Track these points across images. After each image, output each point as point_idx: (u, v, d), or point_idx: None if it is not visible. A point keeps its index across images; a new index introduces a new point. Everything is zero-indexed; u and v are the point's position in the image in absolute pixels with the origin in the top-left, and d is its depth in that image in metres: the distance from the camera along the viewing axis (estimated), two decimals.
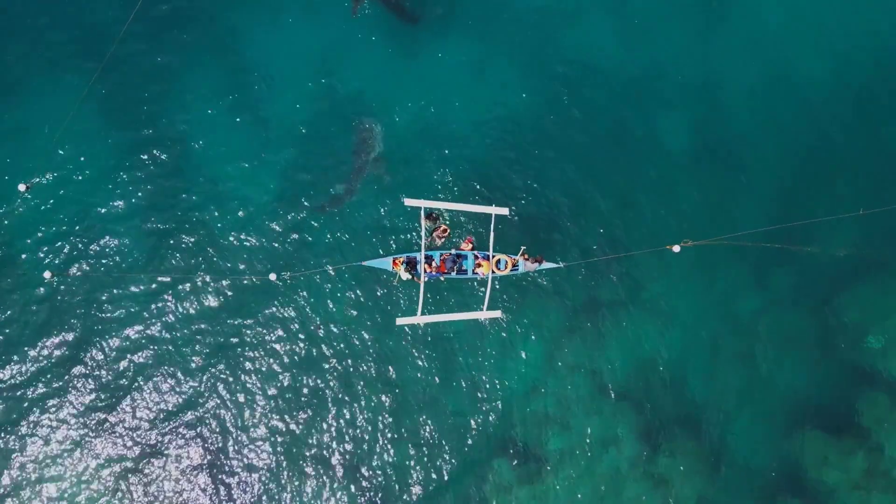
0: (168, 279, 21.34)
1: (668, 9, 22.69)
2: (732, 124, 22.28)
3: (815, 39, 22.55)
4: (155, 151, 21.97)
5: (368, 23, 22.65)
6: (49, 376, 20.84)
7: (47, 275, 20.73)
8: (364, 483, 20.97)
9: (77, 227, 21.46)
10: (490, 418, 21.19)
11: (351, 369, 21.37)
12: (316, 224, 21.74)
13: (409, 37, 22.72)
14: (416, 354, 21.44)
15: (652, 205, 21.89)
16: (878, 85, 22.33)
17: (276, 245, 21.67)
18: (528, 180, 21.94)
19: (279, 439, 21.10)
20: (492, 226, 20.44)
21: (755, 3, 22.85)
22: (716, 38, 22.59)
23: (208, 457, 20.99)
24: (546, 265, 21.06)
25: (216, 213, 21.78)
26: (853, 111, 22.23)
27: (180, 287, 21.39)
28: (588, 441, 21.09)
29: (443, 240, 21.32)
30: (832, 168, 21.92)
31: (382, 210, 21.75)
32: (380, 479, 21.02)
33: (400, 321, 20.72)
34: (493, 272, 20.83)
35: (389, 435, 21.11)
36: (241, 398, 21.20)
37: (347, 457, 21.06)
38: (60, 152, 21.61)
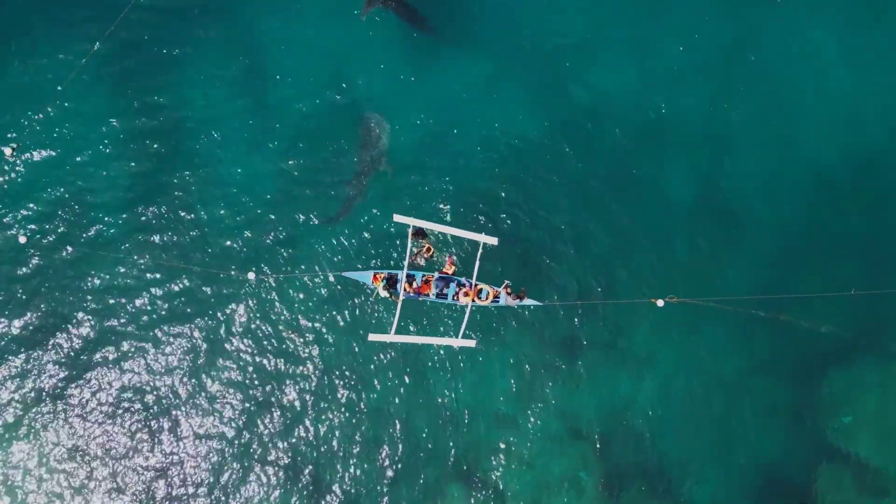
0: (143, 261, 20.98)
1: (691, 57, 22.32)
2: (737, 185, 21.95)
3: (836, 118, 22.12)
4: (151, 132, 21.64)
5: (379, 28, 22.31)
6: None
7: (22, 240, 20.42)
8: (311, 492, 20.65)
9: (58, 197, 21.11)
10: (452, 444, 20.85)
11: (316, 378, 21.01)
12: (305, 227, 21.42)
13: (420, 47, 22.38)
14: (385, 371, 21.09)
15: (643, 254, 21.53)
16: (891, 171, 22.06)
17: (261, 243, 21.33)
18: (521, 212, 21.60)
19: (230, 436, 20.76)
20: (479, 254, 20.13)
21: (781, 68, 22.38)
22: (735, 95, 22.22)
23: (156, 448, 20.66)
24: (528, 301, 20.73)
25: (205, 202, 21.45)
26: (861, 193, 21.87)
27: (154, 273, 21.04)
28: (548, 481, 20.76)
29: (426, 259, 20.99)
30: (831, 244, 21.59)
31: (372, 221, 21.43)
32: (328, 490, 20.67)
33: (372, 337, 20.24)
34: (473, 301, 20.51)
35: (345, 447, 20.79)
36: (199, 392, 20.84)
37: (301, 463, 20.71)
38: (53, 121, 21.25)
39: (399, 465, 20.77)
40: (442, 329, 21.07)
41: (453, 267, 20.82)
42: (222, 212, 21.46)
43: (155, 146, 21.64)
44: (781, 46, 22.02)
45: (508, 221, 21.53)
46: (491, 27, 22.45)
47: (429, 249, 20.81)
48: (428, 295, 20.74)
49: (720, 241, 21.63)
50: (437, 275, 20.78)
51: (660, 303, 20.17)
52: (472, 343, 20.40)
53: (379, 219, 21.40)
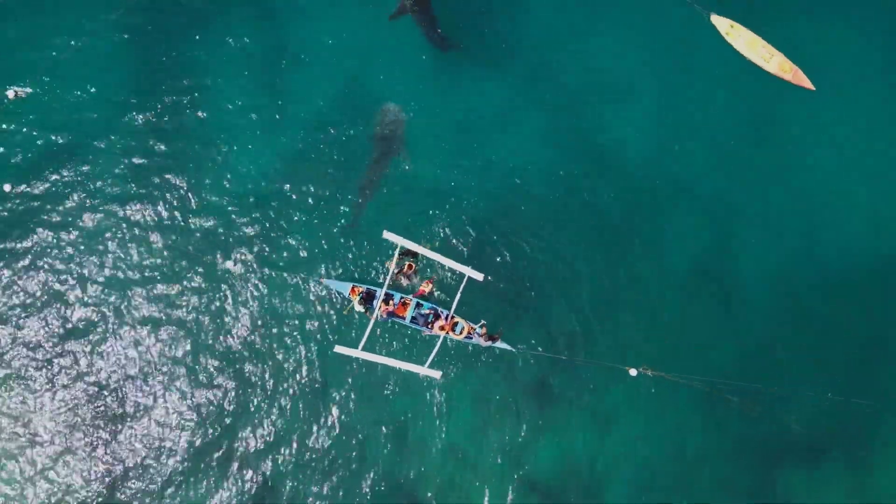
0: (125, 230, 20.50)
1: (714, 127, 21.75)
2: (736, 265, 21.45)
3: (850, 219, 21.53)
4: (161, 102, 21.06)
5: (405, 35, 21.73)
6: None
7: (7, 188, 19.91)
8: (248, 491, 20.18)
9: (51, 152, 20.56)
10: (402, 469, 20.38)
11: (272, 378, 20.49)
12: (299, 223, 20.89)
13: (442, 60, 21.88)
14: (345, 383, 20.58)
15: (626, 318, 21.06)
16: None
17: (251, 233, 20.81)
18: (511, 252, 21.09)
19: (173, 423, 20.29)
20: (462, 287, 19.78)
21: (803, 158, 21.70)
22: (752, 175, 21.67)
23: (95, 435, 20.19)
24: (501, 344, 20.29)
25: (203, 181, 20.90)
26: (861, 301, 21.33)
27: (133, 243, 20.55)
28: None
29: (408, 277, 20.57)
30: (818, 344, 21.11)
31: (363, 232, 20.85)
32: (268, 492, 20.20)
33: (338, 349, 19.89)
34: (447, 333, 20.05)
35: (287, 451, 20.30)
36: (151, 372, 20.39)
37: (245, 461, 20.24)
38: (62, 75, 20.71)
39: (342, 479, 20.30)
40: (410, 354, 20.53)
41: (430, 286, 20.42)
42: (218, 194, 20.90)
43: (164, 118, 21.08)
44: (807, 137, 21.55)
45: (497, 259, 21.06)
46: (516, 54, 21.91)
47: (410, 266, 20.40)
48: (403, 318, 20.28)
49: (707, 318, 21.18)
50: (414, 299, 20.38)
51: (633, 372, 20.00)
52: (437, 374, 19.93)
53: (369, 231, 20.87)
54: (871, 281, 21.22)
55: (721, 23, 21.01)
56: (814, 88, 21.01)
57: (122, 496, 20.14)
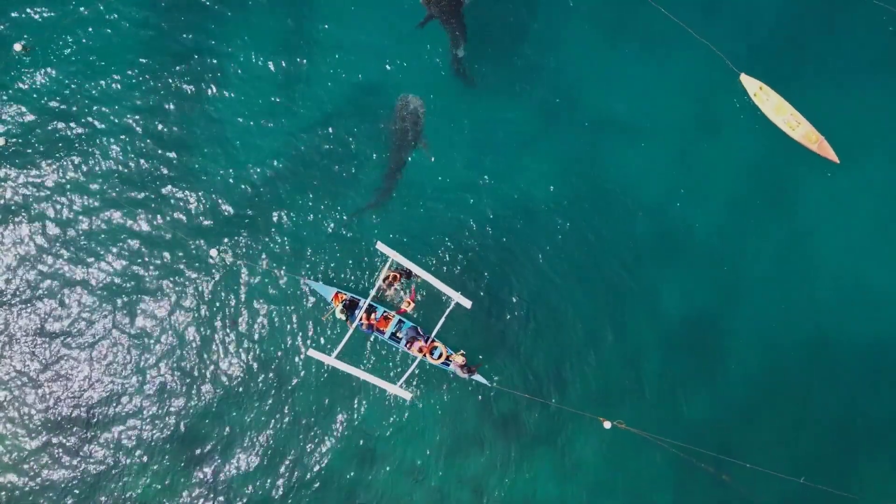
0: (114, 197, 20.26)
1: (734, 180, 21.00)
2: (730, 328, 20.75)
3: (856, 304, 20.72)
4: (174, 72, 20.73)
5: (432, 39, 21.28)
6: None
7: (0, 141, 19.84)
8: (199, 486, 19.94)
9: (52, 111, 20.29)
10: (355, 482, 20.04)
11: (239, 373, 20.23)
12: (295, 217, 20.58)
13: (468, 77, 21.39)
14: (313, 391, 20.25)
15: (608, 368, 20.47)
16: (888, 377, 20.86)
17: (242, 223, 20.51)
18: (503, 285, 20.62)
19: (133, 410, 20.12)
20: (447, 311, 19.35)
21: (818, 234, 20.85)
22: (761, 240, 20.93)
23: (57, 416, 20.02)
24: (477, 377, 19.85)
25: (206, 162, 20.53)
26: (853, 388, 20.54)
27: (120, 211, 20.33)
28: None
29: (393, 287, 20.11)
30: (800, 425, 20.41)
31: (357, 239, 20.55)
32: (214, 492, 19.96)
33: (311, 353, 19.50)
34: (424, 356, 19.65)
35: (243, 448, 20.06)
36: (119, 358, 20.24)
37: (197, 462, 20.03)
38: (76, 33, 20.42)
39: (297, 482, 20.01)
40: (383, 370, 20.17)
41: (412, 304, 20.01)
42: (218, 178, 20.60)
43: (174, 89, 20.74)
44: (823, 210, 20.78)
45: (488, 288, 20.60)
46: (542, 82, 21.28)
47: (397, 278, 19.98)
48: (382, 332, 19.90)
49: (691, 380, 20.54)
50: (397, 316, 19.98)
51: (607, 424, 19.40)
52: (407, 395, 19.50)
53: (363, 238, 20.53)
54: (865, 369, 20.44)
55: (750, 83, 20.39)
56: (838, 161, 20.33)
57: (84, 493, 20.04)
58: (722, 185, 21.00)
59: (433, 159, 20.69)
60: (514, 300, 20.67)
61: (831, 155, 20.31)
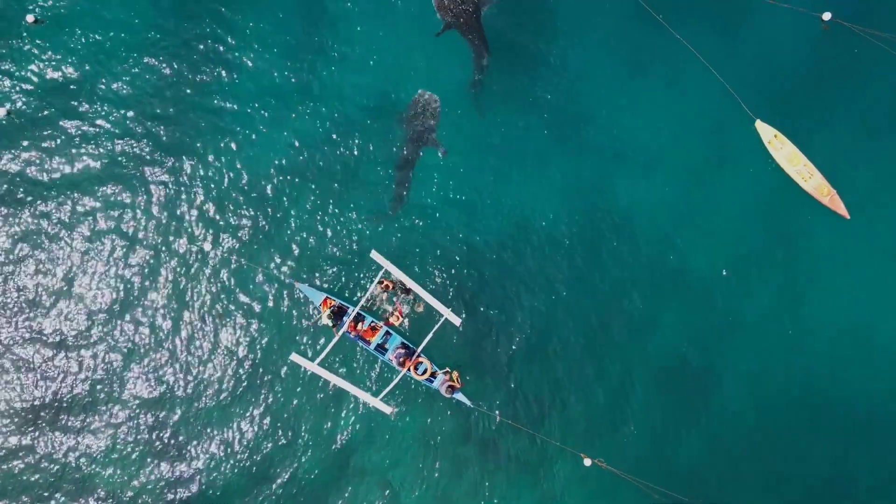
0: (117, 180, 19.97)
1: (740, 223, 20.62)
2: (721, 378, 20.28)
3: (852, 361, 20.25)
4: (190, 58, 20.42)
5: (449, 52, 20.94)
6: None
7: (1, 112, 19.59)
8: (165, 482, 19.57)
9: (59, 82, 20.02)
10: (328, 488, 19.68)
11: (222, 370, 19.86)
12: (293, 217, 20.24)
13: (483, 87, 21.08)
14: (294, 395, 19.87)
15: (594, 404, 20.05)
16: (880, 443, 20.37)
17: (239, 218, 20.16)
18: (497, 307, 20.26)
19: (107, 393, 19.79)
20: (436, 327, 19.05)
21: (821, 288, 20.33)
22: (763, 288, 20.50)
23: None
24: (461, 397, 19.45)
25: (212, 150, 20.27)
26: (842, 446, 20.06)
27: (118, 191, 20.03)
28: None
29: (385, 295, 19.85)
30: (785, 480, 19.88)
31: (353, 245, 20.16)
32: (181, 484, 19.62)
33: (294, 358, 19.26)
34: (409, 370, 19.29)
35: (219, 446, 19.70)
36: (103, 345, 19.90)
37: (169, 458, 19.69)
38: (90, 7, 20.13)
39: (265, 484, 19.66)
40: (366, 382, 19.79)
41: (400, 319, 19.71)
42: (220, 172, 20.29)
43: (183, 76, 20.48)
44: (827, 264, 20.38)
45: (480, 308, 20.24)
46: (559, 104, 20.97)
47: (389, 286, 19.69)
48: (368, 342, 19.53)
49: (677, 422, 20.08)
50: (384, 327, 19.63)
51: (587, 461, 19.04)
52: (388, 410, 19.17)
53: (359, 244, 20.16)
54: (857, 426, 19.95)
55: (765, 130, 20.07)
56: (848, 217, 19.98)
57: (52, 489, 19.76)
58: (726, 227, 20.64)
59: (442, 157, 20.37)
60: (505, 323, 20.29)
61: (842, 210, 19.96)
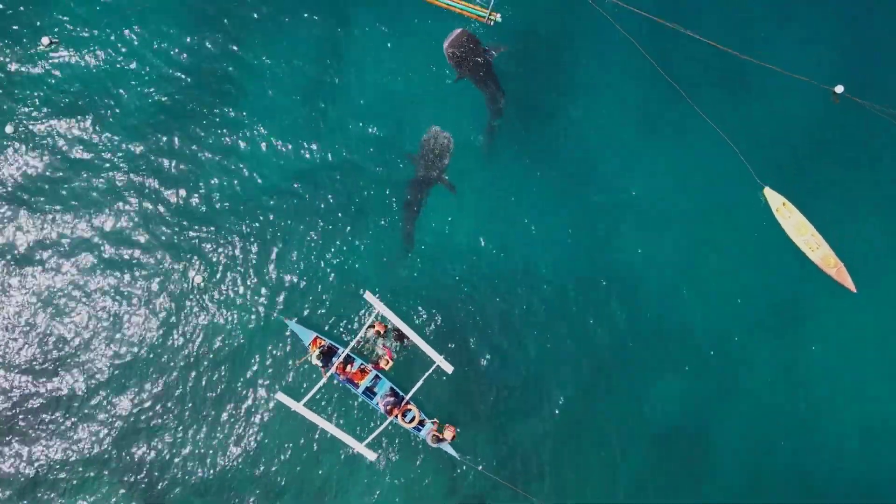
0: (110, 205, 19.84)
1: (743, 290, 20.11)
2: (716, 447, 19.57)
3: (851, 435, 19.61)
4: (200, 80, 20.37)
5: (460, 103, 20.85)
6: None
7: (9, 129, 19.71)
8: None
9: (70, 103, 20.09)
10: None
11: (208, 402, 19.37)
12: (291, 247, 19.98)
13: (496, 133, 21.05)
14: (278, 435, 19.28)
15: (584, 465, 19.35)
16: None
17: (234, 248, 19.93)
18: (492, 355, 19.74)
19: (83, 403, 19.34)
20: (427, 374, 18.60)
21: (826, 353, 19.82)
22: (764, 351, 19.92)
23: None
24: (447, 448, 18.84)
25: (214, 177, 20.13)
26: None
27: (109, 218, 19.90)
28: None
29: (378, 337, 19.38)
30: None
31: (346, 286, 19.79)
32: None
33: (280, 397, 18.83)
34: (396, 417, 18.73)
35: (200, 481, 19.14)
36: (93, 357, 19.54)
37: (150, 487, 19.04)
38: (106, 32, 20.29)
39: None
40: (351, 426, 19.16)
41: (389, 363, 19.25)
42: (221, 197, 20.09)
43: (194, 106, 20.38)
44: (831, 338, 19.83)
45: (473, 356, 19.69)
46: (569, 155, 20.76)
47: (380, 330, 19.29)
48: (357, 386, 19.04)
49: (670, 493, 19.32)
50: (374, 370, 19.15)
51: None
52: (371, 455, 18.60)
53: (354, 284, 19.78)
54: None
55: (774, 198, 19.85)
56: (854, 291, 19.57)
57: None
58: (729, 292, 20.19)
59: (453, 193, 20.20)
60: (498, 374, 19.74)
61: (848, 283, 19.58)
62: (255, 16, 20.75)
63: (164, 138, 20.24)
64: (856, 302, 19.65)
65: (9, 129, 19.72)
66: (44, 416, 19.25)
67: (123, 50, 20.33)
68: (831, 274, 19.66)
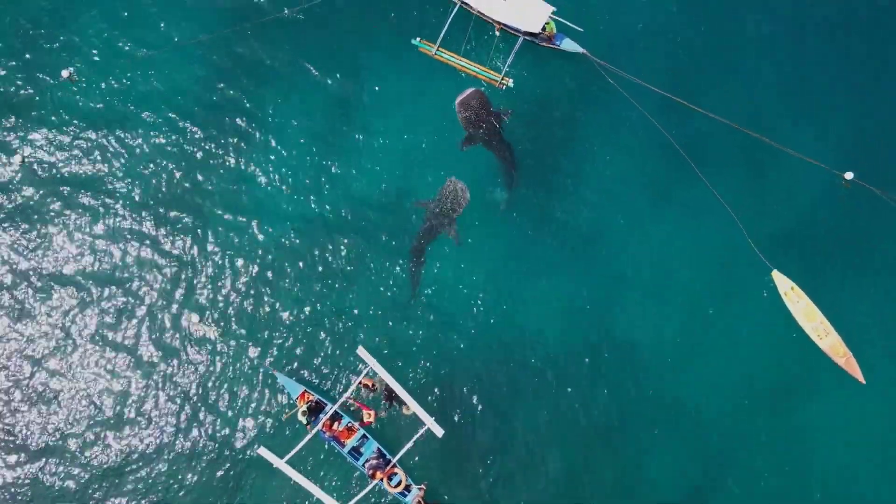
0: (117, 237, 19.76)
1: (748, 371, 19.53)
2: None
3: None
4: (217, 127, 20.56)
5: (471, 162, 20.81)
6: None
7: (17, 158, 19.80)
8: None
9: (84, 137, 20.22)
10: None
11: (190, 453, 18.78)
12: (281, 299, 19.68)
13: (498, 198, 20.82)
14: (256, 489, 18.61)
15: None
16: None
17: (228, 292, 19.66)
18: (485, 420, 19.11)
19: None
20: (416, 436, 17.97)
21: (830, 444, 19.16)
22: (766, 435, 19.25)
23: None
24: None
25: (219, 219, 20.08)
26: None
27: (123, 250, 19.76)
28: None
29: (368, 393, 18.86)
30: None
31: (340, 341, 19.38)
32: None
33: (262, 452, 18.16)
34: (382, 480, 17.99)
35: None
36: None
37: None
38: (127, 67, 20.57)
39: None
40: (333, 487, 18.44)
41: (372, 420, 18.67)
42: (220, 238, 19.99)
43: (203, 154, 20.40)
44: (835, 429, 19.14)
45: (465, 419, 19.10)
46: (578, 223, 20.57)
47: (371, 386, 18.80)
48: (343, 445, 18.41)
49: None
50: (361, 429, 18.54)
51: None
52: None
53: (349, 339, 19.39)
54: None
55: (782, 281, 19.49)
56: (863, 382, 18.93)
57: None
58: (733, 371, 19.63)
59: (458, 245, 19.98)
60: (491, 440, 19.11)
61: (857, 374, 18.94)
62: (271, 66, 21.02)
63: (169, 185, 20.29)
64: (864, 394, 19.00)
65: (16, 158, 19.86)
66: (34, 464, 18.80)
67: (138, 95, 20.61)
68: (840, 363, 19.06)
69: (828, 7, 21.41)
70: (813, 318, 19.11)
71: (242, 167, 20.46)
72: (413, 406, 18.22)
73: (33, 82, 20.38)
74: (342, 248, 20.12)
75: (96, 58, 20.59)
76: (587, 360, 19.67)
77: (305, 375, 19.20)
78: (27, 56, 20.40)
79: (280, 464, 17.81)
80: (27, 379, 19.12)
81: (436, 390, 19.24)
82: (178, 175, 20.28)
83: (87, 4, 20.87)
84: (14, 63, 20.38)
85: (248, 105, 20.78)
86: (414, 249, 20.03)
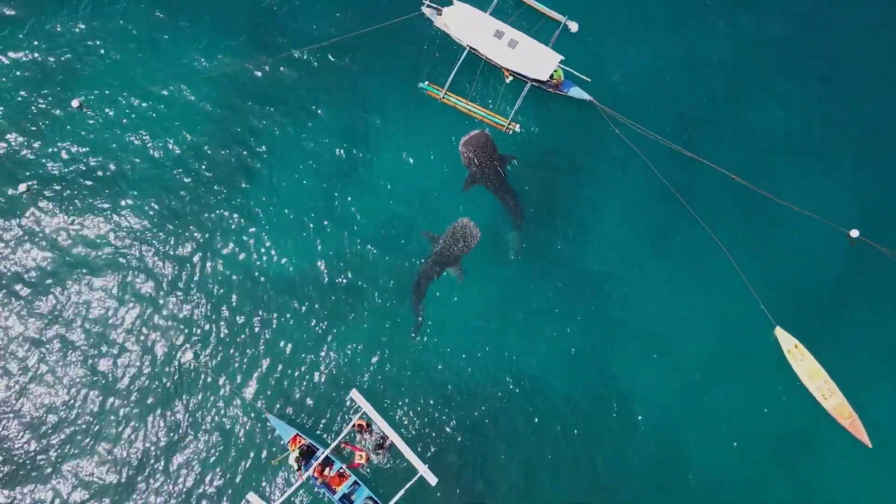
0: (120, 271, 19.67)
1: (749, 428, 19.00)
2: None
3: None
4: (229, 154, 20.72)
5: (473, 203, 20.81)
6: None
7: (22, 187, 19.90)
8: None
9: (91, 169, 20.31)
10: None
11: (177, 496, 18.32)
12: (274, 337, 19.44)
13: (502, 239, 20.71)
14: None
15: None
16: None
17: (225, 332, 19.45)
18: (478, 469, 18.63)
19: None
20: (409, 484, 17.43)
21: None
22: (768, 492, 18.71)
23: None
24: None
25: (219, 253, 20.01)
26: None
27: (122, 288, 19.64)
28: None
29: (361, 438, 18.40)
30: None
31: (334, 381, 19.10)
32: None
33: (251, 498, 17.75)
34: None
35: None
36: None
37: None
38: (137, 96, 20.77)
39: None
40: None
41: (363, 463, 18.10)
42: (222, 273, 19.86)
43: (211, 180, 20.56)
44: (839, 494, 18.54)
45: (459, 468, 18.62)
46: (579, 268, 20.43)
47: (363, 428, 18.34)
48: (334, 492, 17.89)
49: None
50: (353, 476, 18.03)
51: None
52: None
53: (342, 382, 19.09)
54: None
55: (785, 339, 19.19)
56: (870, 445, 18.42)
57: None
58: (733, 429, 19.19)
59: (460, 280, 19.76)
60: (487, 490, 18.56)
61: (863, 437, 18.46)
62: (279, 105, 21.19)
63: (170, 219, 20.28)
64: (870, 458, 18.47)
65: (22, 188, 19.89)
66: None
67: (145, 128, 20.74)
68: (845, 425, 18.59)
69: (835, 65, 21.60)
70: (817, 377, 18.72)
71: (245, 204, 20.46)
72: (406, 452, 17.71)
73: (44, 111, 20.53)
74: (341, 288, 19.94)
75: (107, 89, 20.77)
76: (586, 409, 19.24)
77: (298, 418, 18.80)
78: (39, 84, 20.59)
79: None
80: (13, 416, 18.81)
81: (430, 437, 18.79)
82: (179, 209, 20.27)
83: (101, 36, 21.18)
84: (25, 91, 20.55)
85: (253, 143, 20.87)
86: (415, 290, 19.85)
